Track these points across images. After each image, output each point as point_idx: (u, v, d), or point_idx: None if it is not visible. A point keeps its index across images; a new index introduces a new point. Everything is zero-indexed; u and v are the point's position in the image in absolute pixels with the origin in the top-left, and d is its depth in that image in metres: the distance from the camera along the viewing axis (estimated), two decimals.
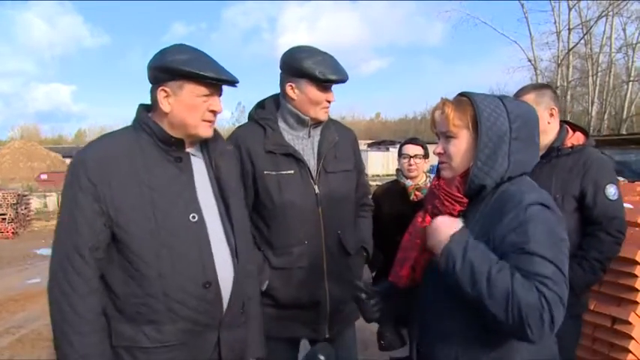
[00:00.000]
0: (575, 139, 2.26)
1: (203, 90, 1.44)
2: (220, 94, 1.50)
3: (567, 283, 1.16)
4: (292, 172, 1.96)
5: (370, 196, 2.36)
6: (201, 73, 1.40)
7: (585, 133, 2.33)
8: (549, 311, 1.10)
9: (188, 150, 1.53)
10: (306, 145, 2.03)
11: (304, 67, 1.93)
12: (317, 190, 1.98)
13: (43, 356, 4.22)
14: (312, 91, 1.96)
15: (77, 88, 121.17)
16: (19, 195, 12.53)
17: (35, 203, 16.22)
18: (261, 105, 2.11)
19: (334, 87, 2.02)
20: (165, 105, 1.44)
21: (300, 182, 1.97)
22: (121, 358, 1.41)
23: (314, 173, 2.00)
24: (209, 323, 1.47)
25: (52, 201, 18.27)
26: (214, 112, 1.48)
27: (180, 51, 1.45)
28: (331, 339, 2.05)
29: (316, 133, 2.06)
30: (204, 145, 1.58)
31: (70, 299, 1.35)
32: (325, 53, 2.00)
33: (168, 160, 1.46)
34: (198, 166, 1.55)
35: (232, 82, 1.48)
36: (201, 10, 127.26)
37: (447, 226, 1.25)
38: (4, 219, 11.59)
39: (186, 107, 1.44)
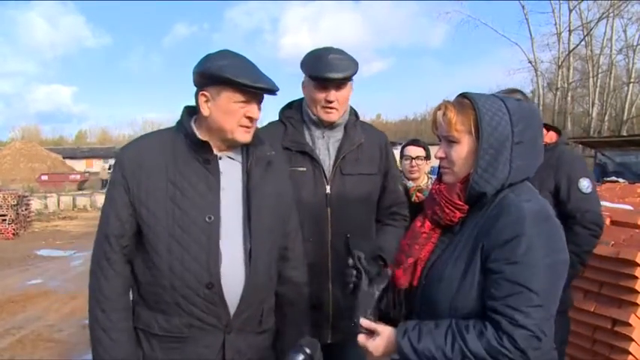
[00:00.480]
0: (549, 137, 2.31)
1: (239, 96, 1.46)
2: (260, 101, 1.52)
3: (550, 309, 1.17)
4: (304, 169, 1.97)
5: (406, 206, 2.23)
6: (236, 79, 1.42)
7: (558, 132, 2.38)
8: (515, 348, 1.13)
9: (227, 153, 1.56)
10: (322, 144, 2.03)
11: (304, 64, 1.97)
12: (328, 190, 1.98)
13: (43, 357, 4.21)
14: (310, 89, 1.97)
15: (78, 89, 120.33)
16: (19, 196, 12.53)
17: (36, 204, 16.24)
18: (289, 105, 2.14)
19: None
20: (205, 109, 1.49)
21: (312, 180, 1.97)
22: (140, 338, 1.54)
23: (328, 173, 2.00)
24: (215, 324, 1.49)
25: (53, 202, 18.31)
26: (251, 119, 1.50)
27: (222, 57, 1.48)
28: (334, 345, 2.03)
29: (332, 134, 2.04)
30: (244, 149, 1.60)
31: (98, 280, 1.49)
32: (335, 51, 1.98)
33: (198, 160, 1.50)
34: (233, 169, 1.57)
35: (269, 90, 1.49)
36: (204, 10, 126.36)
37: (385, 347, 1.28)
38: (5, 220, 11.58)
39: (223, 112, 1.47)
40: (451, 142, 1.28)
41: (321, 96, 1.95)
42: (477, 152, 1.24)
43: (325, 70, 1.91)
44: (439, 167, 1.36)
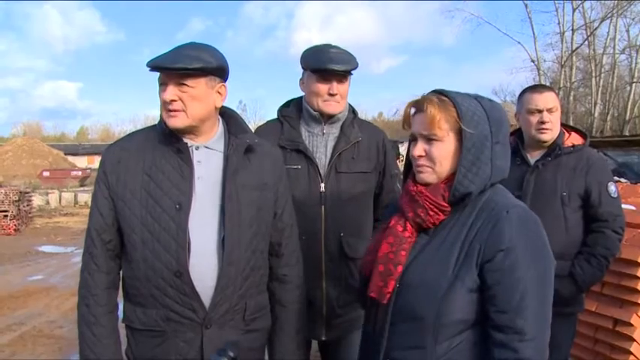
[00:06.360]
0: (573, 139, 2.32)
1: (159, 81, 1.48)
2: (177, 82, 1.44)
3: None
4: (299, 167, 1.97)
5: None
6: (148, 62, 1.43)
7: (582, 134, 2.38)
8: None
9: (205, 143, 1.54)
10: (320, 142, 2.03)
11: (305, 58, 2.00)
12: (322, 188, 1.97)
13: (43, 354, 4.21)
14: (312, 82, 1.99)
15: (83, 84, 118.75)
16: (21, 192, 12.52)
17: (37, 200, 16.22)
18: (287, 103, 2.15)
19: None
20: None
21: (306, 178, 1.97)
22: (127, 335, 1.55)
23: (323, 171, 1.99)
24: (191, 317, 1.46)
25: (54, 198, 18.30)
26: (165, 102, 1.46)
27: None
28: (329, 342, 2.03)
29: (332, 131, 2.04)
30: (227, 138, 1.58)
31: (84, 275, 1.53)
32: (335, 47, 2.01)
33: (172, 151, 1.50)
34: (213, 158, 1.54)
35: (161, 68, 1.44)
36: (221, 6, 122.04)
37: None
38: (6, 216, 11.57)
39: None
40: (432, 140, 1.22)
41: (323, 88, 1.97)
42: (459, 151, 1.21)
43: (328, 62, 1.93)
44: (411, 166, 1.30)
